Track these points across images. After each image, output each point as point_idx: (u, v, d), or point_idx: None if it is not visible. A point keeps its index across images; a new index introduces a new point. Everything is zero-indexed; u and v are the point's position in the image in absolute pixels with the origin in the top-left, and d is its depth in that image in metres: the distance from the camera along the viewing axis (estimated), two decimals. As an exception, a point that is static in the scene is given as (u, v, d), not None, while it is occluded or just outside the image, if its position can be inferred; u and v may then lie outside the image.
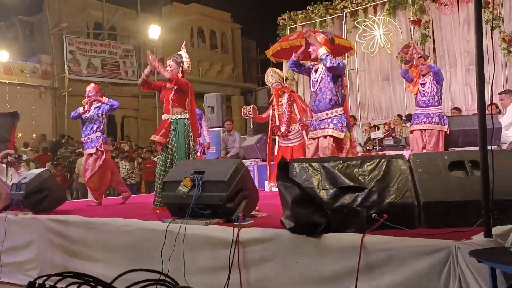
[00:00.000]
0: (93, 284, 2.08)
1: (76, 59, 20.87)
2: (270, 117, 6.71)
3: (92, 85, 6.34)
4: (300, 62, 4.70)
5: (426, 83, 6.09)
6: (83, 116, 6.09)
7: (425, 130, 6.06)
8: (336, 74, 4.50)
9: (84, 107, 6.09)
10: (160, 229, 3.54)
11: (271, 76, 6.70)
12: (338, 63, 4.41)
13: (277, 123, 6.57)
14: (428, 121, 6.02)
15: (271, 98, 6.79)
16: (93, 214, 4.52)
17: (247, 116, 6.76)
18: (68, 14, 21.02)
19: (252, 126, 11.05)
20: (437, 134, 5.99)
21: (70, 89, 20.16)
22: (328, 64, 4.38)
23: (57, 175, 10.96)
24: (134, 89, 22.60)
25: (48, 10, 20.74)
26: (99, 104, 6.14)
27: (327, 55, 4.41)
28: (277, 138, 6.66)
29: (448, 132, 6.10)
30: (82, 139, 6.23)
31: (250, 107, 6.72)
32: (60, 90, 20.62)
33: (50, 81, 20.50)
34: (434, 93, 6.06)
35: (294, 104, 6.46)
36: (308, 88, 4.76)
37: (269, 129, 6.77)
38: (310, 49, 4.60)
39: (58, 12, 20.99)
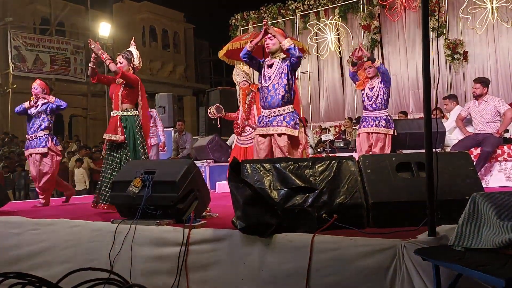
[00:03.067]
0: (37, 284, 2.00)
1: (21, 55, 20.04)
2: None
3: (38, 81, 6.10)
4: (252, 55, 4.54)
5: (374, 87, 6.11)
6: (29, 111, 5.85)
7: (372, 133, 6.10)
8: (291, 70, 4.41)
9: (30, 102, 5.85)
10: (109, 230, 3.46)
11: (237, 75, 6.52)
12: (301, 55, 4.39)
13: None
14: (375, 125, 6.06)
15: (239, 98, 6.62)
16: (38, 215, 4.36)
17: (213, 116, 6.48)
18: (13, 8, 20.16)
19: (204, 126, 10.96)
20: (384, 138, 6.03)
21: (14, 86, 19.33)
22: (296, 54, 4.29)
23: (-1, 174, 10.58)
24: (83, 88, 21.97)
25: (-9, 4, 19.89)
26: (46, 100, 5.94)
27: (294, 45, 4.33)
28: (236, 136, 6.53)
29: (395, 134, 6.18)
30: (27, 136, 5.89)
31: (213, 107, 6.49)
32: (3, 87, 19.76)
33: (-7, 78, 19.67)
34: (381, 97, 6.09)
35: (254, 106, 6.30)
36: (258, 83, 4.65)
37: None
38: (266, 42, 4.48)
39: (2, 6, 20.10)
